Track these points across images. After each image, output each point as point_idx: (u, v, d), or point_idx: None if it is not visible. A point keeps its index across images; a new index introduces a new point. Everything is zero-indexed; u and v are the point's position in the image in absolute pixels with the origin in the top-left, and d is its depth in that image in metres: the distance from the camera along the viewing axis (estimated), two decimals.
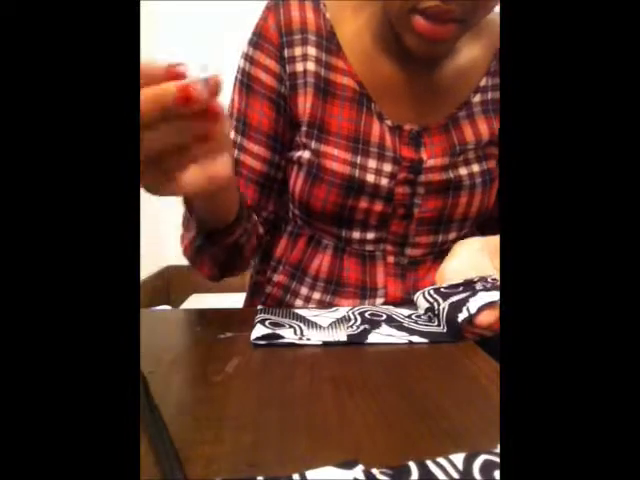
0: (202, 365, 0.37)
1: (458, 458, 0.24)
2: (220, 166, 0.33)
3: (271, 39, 0.60)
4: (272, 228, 0.68)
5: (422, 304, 0.49)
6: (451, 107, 0.62)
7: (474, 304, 0.42)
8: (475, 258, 0.50)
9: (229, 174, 0.34)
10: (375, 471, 0.23)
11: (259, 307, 0.51)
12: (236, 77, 0.64)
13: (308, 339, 0.41)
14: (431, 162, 0.60)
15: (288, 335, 0.41)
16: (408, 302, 0.59)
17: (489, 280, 0.45)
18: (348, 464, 0.23)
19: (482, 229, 0.68)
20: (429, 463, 0.24)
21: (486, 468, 0.23)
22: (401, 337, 0.42)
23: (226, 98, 0.64)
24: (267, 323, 0.44)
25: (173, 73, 0.31)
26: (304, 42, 0.60)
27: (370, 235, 0.62)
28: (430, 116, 0.61)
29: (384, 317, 0.48)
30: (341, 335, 0.42)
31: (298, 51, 0.60)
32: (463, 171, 0.61)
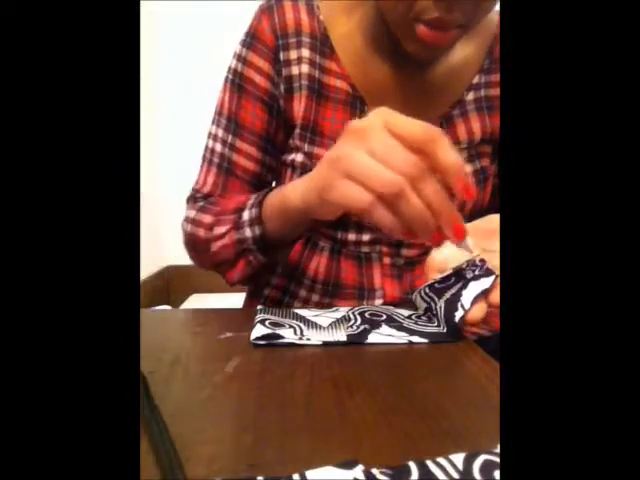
0: (202, 365, 0.37)
1: (458, 458, 0.24)
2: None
3: (265, 41, 0.60)
4: None
5: (420, 304, 0.49)
6: (444, 106, 0.62)
7: (467, 299, 0.42)
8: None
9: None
10: (375, 471, 0.23)
11: (259, 307, 0.50)
12: (227, 77, 0.63)
13: (308, 339, 0.41)
14: None
15: (288, 335, 0.41)
16: (407, 302, 0.59)
17: (477, 263, 0.44)
18: (348, 464, 0.23)
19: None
20: (429, 463, 0.24)
21: (486, 468, 0.23)
22: (401, 337, 0.42)
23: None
24: (267, 323, 0.44)
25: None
26: (299, 45, 0.60)
27: (365, 237, 0.62)
28: (423, 116, 0.61)
29: (384, 317, 0.48)
30: (341, 335, 0.42)
31: (293, 54, 0.60)
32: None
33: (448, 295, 0.44)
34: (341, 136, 0.41)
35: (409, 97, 0.61)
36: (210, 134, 0.65)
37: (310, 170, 0.59)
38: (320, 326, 0.45)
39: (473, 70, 0.63)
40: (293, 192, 0.47)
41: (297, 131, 0.61)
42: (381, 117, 0.37)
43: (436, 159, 0.36)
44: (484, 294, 0.42)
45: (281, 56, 0.60)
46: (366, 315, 0.48)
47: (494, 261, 0.45)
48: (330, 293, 0.63)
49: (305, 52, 0.60)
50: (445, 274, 0.47)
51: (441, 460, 0.24)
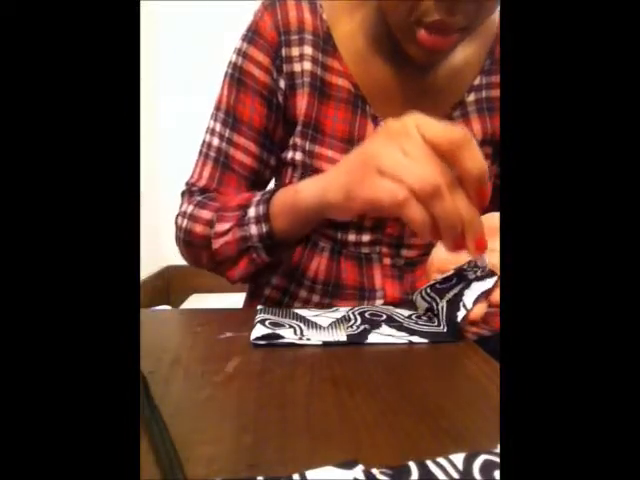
0: (202, 365, 0.37)
1: (458, 458, 0.24)
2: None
3: (267, 37, 0.60)
4: None
5: (421, 304, 0.49)
6: (446, 107, 0.62)
7: (469, 298, 0.42)
8: None
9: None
10: (375, 471, 0.23)
11: (259, 307, 0.50)
12: (227, 72, 0.63)
13: (308, 339, 0.41)
14: None
15: (288, 335, 0.41)
16: (407, 302, 0.59)
17: (479, 264, 0.45)
18: (348, 464, 0.23)
19: None
20: (429, 463, 0.24)
21: (486, 468, 0.23)
22: (401, 337, 0.42)
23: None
24: (267, 323, 0.44)
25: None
26: (301, 42, 0.60)
27: (366, 237, 0.62)
28: None
29: (384, 317, 0.48)
30: (341, 335, 0.42)
31: (296, 51, 0.60)
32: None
33: (450, 295, 0.44)
34: (372, 136, 0.41)
35: (410, 98, 0.61)
36: (208, 128, 0.64)
37: (311, 168, 0.59)
38: (320, 326, 0.45)
39: (474, 71, 0.63)
40: (308, 190, 0.47)
41: (298, 128, 0.61)
42: (414, 120, 0.38)
43: (462, 167, 0.36)
44: (486, 294, 0.42)
45: (283, 52, 0.60)
46: (366, 315, 0.48)
47: (494, 260, 0.45)
48: (330, 294, 0.63)
49: (308, 49, 0.60)
50: (446, 275, 0.47)
51: (441, 460, 0.24)
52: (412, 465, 0.23)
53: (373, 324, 0.45)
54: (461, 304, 0.43)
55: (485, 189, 0.37)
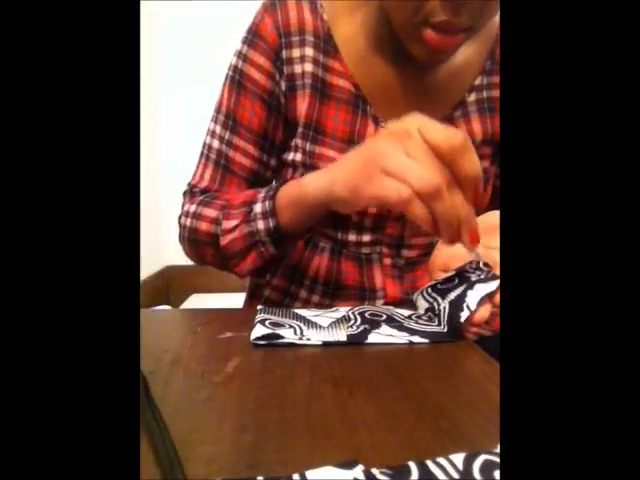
0: (202, 365, 0.37)
1: (458, 458, 0.24)
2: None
3: (267, 39, 0.60)
4: None
5: (422, 304, 0.49)
6: (447, 107, 0.62)
7: (473, 300, 0.42)
8: None
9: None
10: (375, 471, 0.23)
11: (259, 307, 0.50)
12: (227, 74, 0.63)
13: (308, 339, 0.41)
14: None
15: (288, 335, 0.41)
16: (408, 302, 0.59)
17: (482, 267, 0.45)
18: (348, 464, 0.23)
19: None
20: (429, 463, 0.24)
21: (486, 468, 0.23)
22: (401, 337, 0.42)
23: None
24: (267, 323, 0.44)
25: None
26: (302, 43, 0.60)
27: (366, 237, 0.62)
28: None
29: (384, 317, 0.48)
30: (341, 335, 0.42)
31: (296, 53, 0.60)
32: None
33: (452, 296, 0.44)
34: (376, 136, 0.43)
35: (411, 98, 0.61)
36: (209, 130, 0.65)
37: (312, 169, 0.59)
38: (320, 326, 0.45)
39: (475, 72, 0.63)
40: (312, 185, 0.49)
41: (299, 130, 0.61)
42: (416, 122, 0.40)
43: (459, 169, 0.39)
44: (490, 297, 0.42)
45: (283, 54, 0.60)
46: (366, 315, 0.48)
47: (495, 258, 0.45)
48: (330, 294, 0.63)
49: (308, 51, 0.60)
50: (448, 275, 0.47)
51: (441, 460, 0.24)
52: (412, 465, 0.23)
53: (373, 324, 0.45)
54: (464, 305, 0.43)
55: (480, 189, 0.40)
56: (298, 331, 0.43)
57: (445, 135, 0.38)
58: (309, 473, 0.23)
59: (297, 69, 0.60)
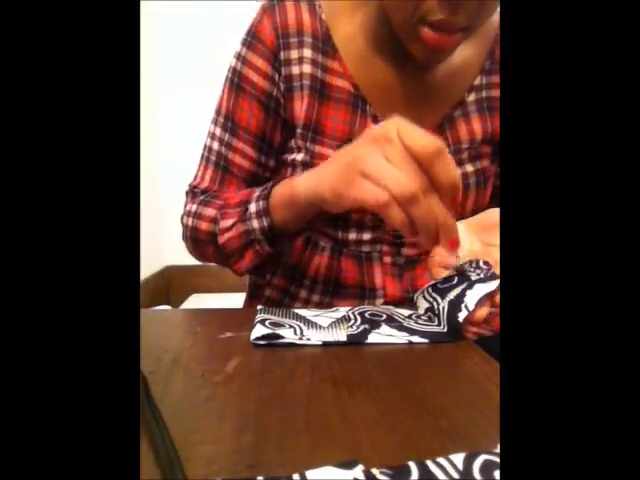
0: (202, 365, 0.37)
1: (458, 458, 0.24)
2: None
3: (265, 41, 0.60)
4: None
5: (422, 304, 0.49)
6: (446, 107, 0.62)
7: (472, 299, 0.42)
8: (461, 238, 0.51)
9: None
10: (375, 471, 0.23)
11: (259, 307, 0.50)
12: (227, 76, 0.64)
13: (308, 339, 0.41)
14: None
15: (288, 335, 0.41)
16: (408, 301, 0.59)
17: (482, 266, 0.45)
18: (348, 464, 0.23)
19: None
20: (429, 463, 0.24)
21: (486, 468, 0.23)
22: (401, 337, 0.42)
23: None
24: (267, 323, 0.44)
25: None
26: (300, 45, 0.60)
27: (366, 236, 0.62)
28: (425, 117, 0.61)
29: (384, 317, 0.48)
30: (341, 335, 0.42)
31: (294, 54, 0.60)
32: (457, 171, 0.61)
33: (452, 296, 0.44)
34: (358, 140, 0.44)
35: (411, 98, 0.61)
36: (209, 132, 0.66)
37: (310, 169, 0.59)
38: (320, 326, 0.45)
39: (474, 71, 0.63)
40: (303, 185, 0.50)
41: (299, 131, 0.61)
42: (395, 126, 0.41)
43: (436, 175, 0.39)
44: (489, 297, 0.42)
45: (281, 55, 0.60)
46: (366, 315, 0.48)
47: (495, 255, 0.45)
48: (331, 293, 0.63)
49: (307, 52, 0.60)
50: (448, 274, 0.47)
51: (441, 460, 0.24)
52: (412, 465, 0.23)
53: (373, 324, 0.45)
54: (463, 305, 0.43)
55: (457, 195, 0.41)
56: (298, 331, 0.43)
57: (421, 141, 0.39)
58: (309, 473, 0.23)
59: (295, 70, 0.60)
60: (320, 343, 0.41)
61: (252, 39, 0.61)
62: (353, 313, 0.49)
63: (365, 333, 0.43)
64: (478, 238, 0.48)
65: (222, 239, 0.58)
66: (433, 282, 0.48)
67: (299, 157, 0.61)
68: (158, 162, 2.02)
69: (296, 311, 0.50)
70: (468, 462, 0.24)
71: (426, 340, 0.42)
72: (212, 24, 1.95)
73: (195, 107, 1.89)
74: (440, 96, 0.62)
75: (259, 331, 0.41)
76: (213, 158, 0.65)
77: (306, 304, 0.64)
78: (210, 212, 0.60)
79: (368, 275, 0.62)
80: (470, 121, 0.62)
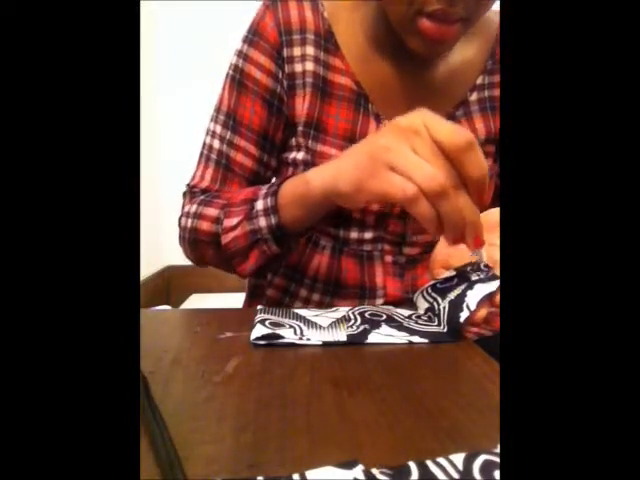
0: (202, 365, 0.37)
1: (458, 458, 0.24)
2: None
3: (268, 37, 0.60)
4: None
5: (422, 304, 0.49)
6: (448, 106, 0.62)
7: (473, 299, 0.42)
8: None
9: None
10: (375, 471, 0.23)
11: (259, 307, 0.50)
12: (227, 73, 0.63)
13: (308, 339, 0.41)
14: None
15: (288, 335, 0.41)
16: (408, 301, 0.59)
17: (483, 268, 0.45)
18: (348, 464, 0.23)
19: None
20: (429, 463, 0.24)
21: (486, 468, 0.23)
22: (401, 337, 0.42)
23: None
24: (267, 323, 0.44)
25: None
26: (303, 42, 0.60)
27: (368, 235, 0.62)
28: None
29: (384, 317, 0.48)
30: (341, 335, 0.42)
31: (297, 51, 0.60)
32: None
33: (452, 296, 0.44)
34: (381, 131, 0.43)
35: (413, 96, 0.61)
36: (208, 130, 0.65)
37: (312, 167, 0.59)
38: (320, 326, 0.45)
39: (476, 71, 0.63)
40: (318, 179, 0.48)
41: (300, 129, 0.61)
42: (423, 118, 0.39)
43: (465, 170, 0.38)
44: (490, 297, 0.42)
45: (284, 52, 0.60)
46: (366, 315, 0.48)
47: (495, 255, 0.45)
48: (331, 292, 0.63)
49: (309, 49, 0.60)
50: (448, 275, 0.47)
51: (441, 460, 0.24)
52: (412, 465, 0.23)
53: (373, 324, 0.45)
54: (464, 305, 0.43)
55: (485, 190, 0.39)
56: (298, 331, 0.43)
57: (452, 134, 0.38)
58: (309, 473, 0.23)
59: (298, 68, 0.60)
60: (320, 343, 0.41)
61: (254, 36, 0.61)
62: (353, 313, 0.49)
63: (365, 333, 0.43)
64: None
65: (226, 239, 0.55)
66: (433, 282, 0.48)
67: (300, 156, 0.61)
68: (158, 162, 2.02)
69: (296, 311, 0.50)
70: (468, 462, 0.24)
71: (426, 340, 0.42)
72: (212, 24, 1.95)
73: (195, 107, 1.89)
74: (442, 95, 0.62)
75: (259, 331, 0.41)
76: (214, 157, 0.63)
77: (306, 303, 0.64)
78: (212, 212, 0.58)
79: (369, 274, 0.62)
80: (473, 121, 0.62)
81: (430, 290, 0.48)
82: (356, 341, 0.41)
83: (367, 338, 0.42)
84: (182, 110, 2.03)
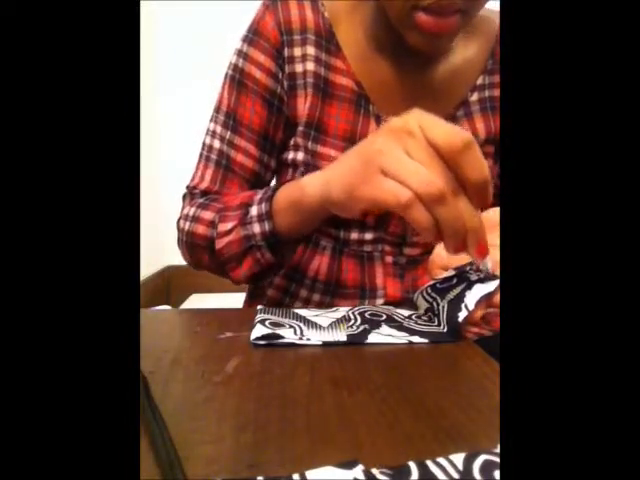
0: (202, 365, 0.37)
1: (458, 458, 0.24)
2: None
3: (269, 37, 0.60)
4: None
5: (422, 304, 0.49)
6: (449, 106, 0.62)
7: (471, 299, 0.42)
8: None
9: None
10: (375, 471, 0.23)
11: (259, 307, 0.50)
12: (227, 73, 0.63)
13: (308, 339, 0.41)
14: None
15: (288, 335, 0.41)
16: (408, 301, 0.59)
17: (481, 267, 0.45)
18: (348, 464, 0.23)
19: None
20: (429, 463, 0.24)
21: (486, 468, 0.23)
22: (401, 337, 0.42)
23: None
24: (267, 323, 0.44)
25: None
26: (304, 42, 0.60)
27: (368, 235, 0.62)
28: None
29: (384, 317, 0.48)
30: (341, 335, 0.42)
31: (298, 51, 0.60)
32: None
33: (451, 296, 0.44)
34: (374, 134, 0.41)
35: (413, 97, 0.61)
36: (208, 130, 0.64)
37: (313, 168, 0.59)
38: (320, 326, 0.45)
39: (476, 71, 0.63)
40: (312, 186, 0.47)
41: (300, 129, 0.60)
42: (417, 119, 0.37)
43: (464, 172, 0.36)
44: (488, 297, 0.42)
45: (285, 52, 0.60)
46: (366, 315, 0.48)
47: (495, 256, 0.45)
48: (331, 293, 0.63)
49: (310, 49, 0.60)
50: (447, 275, 0.47)
51: (441, 460, 0.24)
52: (412, 465, 0.23)
53: (373, 324, 0.45)
54: (463, 305, 0.43)
55: (487, 194, 0.37)
56: (298, 331, 0.43)
57: (447, 135, 0.36)
58: (309, 473, 0.23)
59: (298, 68, 0.60)
60: (320, 343, 0.41)
61: (254, 35, 0.60)
62: (353, 313, 0.49)
63: (365, 333, 0.43)
64: None
65: (220, 244, 0.54)
66: (432, 282, 0.48)
67: (299, 157, 0.61)
68: (158, 162, 2.02)
69: (296, 311, 0.50)
70: (468, 462, 0.24)
71: (426, 340, 0.42)
72: (212, 24, 1.95)
73: (195, 107, 1.89)
74: (443, 95, 0.62)
75: (259, 331, 0.41)
76: (214, 157, 0.63)
77: (307, 304, 0.64)
78: (208, 215, 0.57)
79: (369, 275, 0.62)
80: (473, 121, 0.62)
81: (430, 290, 0.48)
82: (356, 341, 0.41)
83: (367, 338, 0.42)
84: (182, 110, 2.03)
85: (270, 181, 0.66)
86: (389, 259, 0.63)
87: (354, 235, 0.62)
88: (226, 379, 0.34)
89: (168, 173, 2.01)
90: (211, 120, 0.64)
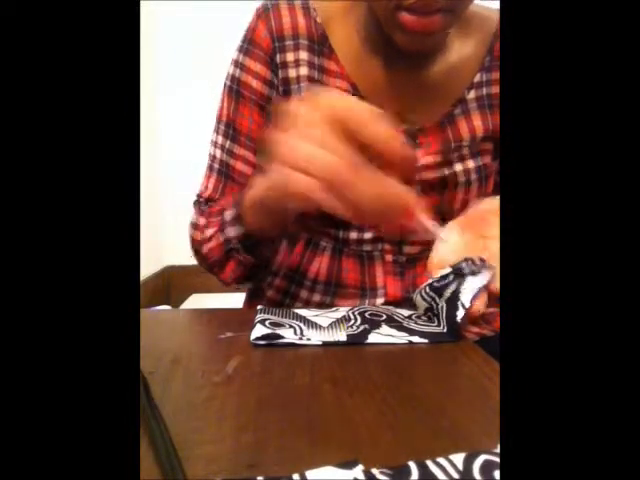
0: (202, 365, 0.37)
1: (458, 458, 0.24)
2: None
3: (262, 45, 0.60)
4: None
5: (420, 304, 0.49)
6: (446, 105, 0.62)
7: (466, 297, 0.42)
8: (456, 236, 0.49)
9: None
10: (375, 471, 0.23)
11: (259, 307, 0.50)
12: (225, 84, 0.64)
13: (308, 339, 0.41)
14: (425, 160, 0.60)
15: (288, 335, 0.41)
16: (408, 300, 0.59)
17: (477, 262, 0.44)
18: (348, 464, 0.23)
19: None
20: (429, 463, 0.24)
21: (486, 468, 0.23)
22: (401, 337, 0.42)
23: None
24: (267, 323, 0.44)
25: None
26: (296, 47, 0.60)
27: (368, 235, 0.62)
28: (425, 115, 0.61)
29: (384, 317, 0.48)
30: (341, 335, 0.42)
31: (290, 57, 0.60)
32: (458, 167, 0.61)
33: (448, 294, 0.44)
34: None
35: (409, 96, 0.61)
36: (212, 141, 0.66)
37: None
38: (320, 326, 0.45)
39: (473, 68, 0.63)
40: (258, 187, 0.46)
41: None
42: (304, 98, 0.36)
43: (367, 142, 0.34)
44: (484, 289, 0.42)
45: (277, 59, 0.60)
46: (366, 315, 0.48)
47: (492, 247, 0.44)
48: (332, 293, 0.63)
49: (303, 54, 0.60)
50: (443, 272, 0.47)
51: (441, 460, 0.24)
52: (412, 465, 0.23)
53: (373, 324, 0.45)
54: (459, 303, 0.42)
55: (399, 148, 0.35)
56: (298, 331, 0.43)
57: (330, 104, 0.34)
58: (309, 473, 0.23)
59: (292, 73, 0.60)
60: (320, 343, 0.41)
61: (248, 45, 0.61)
62: (353, 313, 0.49)
63: (365, 333, 0.43)
64: (473, 233, 0.47)
65: (205, 249, 0.56)
66: (430, 281, 0.48)
67: None
68: (158, 162, 2.02)
69: (296, 311, 0.50)
70: (468, 462, 0.24)
71: (426, 340, 0.42)
72: (212, 24, 1.95)
73: (195, 107, 1.89)
74: (439, 94, 0.62)
75: (259, 331, 0.41)
76: (216, 166, 0.64)
77: (307, 304, 0.64)
78: (202, 221, 0.59)
79: (369, 274, 0.63)
80: (471, 118, 0.62)
81: (428, 289, 0.48)
82: (356, 341, 0.41)
83: (367, 338, 0.42)
84: (182, 110, 2.03)
85: None
86: (389, 258, 0.63)
87: (353, 235, 0.62)
88: (226, 379, 0.34)
89: (168, 173, 2.01)
90: (214, 130, 0.66)
